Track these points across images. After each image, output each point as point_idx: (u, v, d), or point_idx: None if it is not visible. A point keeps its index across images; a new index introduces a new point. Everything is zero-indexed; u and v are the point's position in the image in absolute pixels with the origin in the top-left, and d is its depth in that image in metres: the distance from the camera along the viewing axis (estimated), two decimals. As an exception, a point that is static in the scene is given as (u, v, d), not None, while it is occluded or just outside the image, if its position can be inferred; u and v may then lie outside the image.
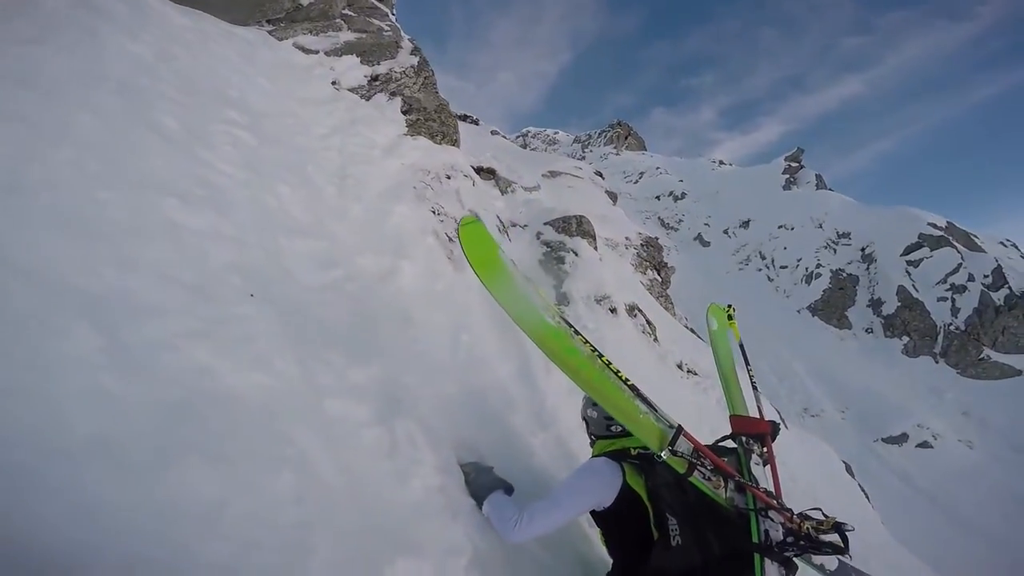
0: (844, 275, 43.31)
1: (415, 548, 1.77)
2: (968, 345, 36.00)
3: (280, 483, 1.55)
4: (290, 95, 4.43)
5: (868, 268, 42.44)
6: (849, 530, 1.95)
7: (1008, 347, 35.43)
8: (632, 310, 6.16)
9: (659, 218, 57.85)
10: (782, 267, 48.02)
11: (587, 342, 2.09)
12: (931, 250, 40.09)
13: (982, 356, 35.50)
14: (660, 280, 9.12)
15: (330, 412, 1.97)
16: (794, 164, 58.45)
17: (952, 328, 37.06)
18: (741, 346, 3.37)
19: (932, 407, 32.94)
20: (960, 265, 38.76)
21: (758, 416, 2.86)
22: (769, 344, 38.26)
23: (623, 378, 2.07)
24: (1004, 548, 23.67)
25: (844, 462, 8.98)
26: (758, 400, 3.04)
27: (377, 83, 5.97)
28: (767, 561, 1.94)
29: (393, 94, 5.92)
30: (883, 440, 30.99)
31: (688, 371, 6.15)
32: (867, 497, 8.19)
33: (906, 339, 38.19)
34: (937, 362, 36.65)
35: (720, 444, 2.58)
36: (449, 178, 5.06)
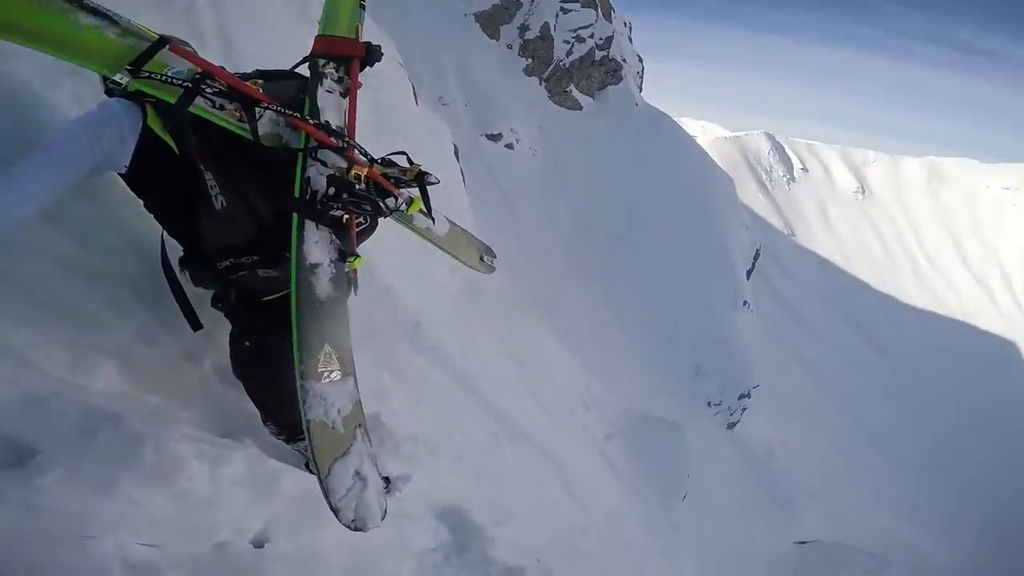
0: (513, 0, 48.86)
1: None
2: (564, 79, 48.77)
3: None
4: None
5: (533, 2, 48.69)
6: (433, 182, 1.70)
7: (583, 90, 49.73)
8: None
9: (374, -93, 47.40)
10: (470, -21, 49.31)
11: None
12: (581, 7, 48.70)
13: (567, 89, 49.18)
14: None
15: None
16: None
17: (561, 65, 48.97)
18: None
19: (523, 116, 44.07)
20: (591, 25, 48.92)
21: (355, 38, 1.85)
22: (431, 32, 41.68)
23: None
24: (545, 256, 30.42)
25: (455, 144, 9.63)
26: (360, 20, 2.01)
27: None
28: (310, 224, 1.47)
29: None
30: (486, 136, 40.12)
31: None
32: (464, 181, 8.86)
33: (531, 61, 48.50)
34: (540, 84, 48.66)
35: (294, 69, 1.80)
36: None
